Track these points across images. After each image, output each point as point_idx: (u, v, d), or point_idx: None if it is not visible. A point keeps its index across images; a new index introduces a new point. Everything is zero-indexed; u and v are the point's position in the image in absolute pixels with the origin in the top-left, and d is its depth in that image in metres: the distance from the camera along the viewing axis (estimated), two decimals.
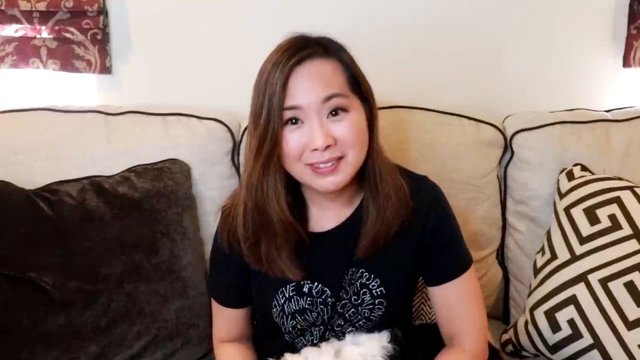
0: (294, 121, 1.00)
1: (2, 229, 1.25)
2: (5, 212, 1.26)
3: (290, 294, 1.11)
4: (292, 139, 1.00)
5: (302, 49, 1.00)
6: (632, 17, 1.68)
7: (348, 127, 1.00)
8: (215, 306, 1.21)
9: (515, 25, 1.69)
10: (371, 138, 1.05)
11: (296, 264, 1.07)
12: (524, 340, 1.38)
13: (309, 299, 1.11)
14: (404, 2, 1.65)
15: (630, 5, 1.67)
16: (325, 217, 1.12)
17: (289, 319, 1.12)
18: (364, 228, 1.07)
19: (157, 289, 1.35)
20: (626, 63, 1.71)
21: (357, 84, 1.04)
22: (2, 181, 1.29)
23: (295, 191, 1.09)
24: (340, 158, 1.01)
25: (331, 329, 1.13)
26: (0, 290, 1.23)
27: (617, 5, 1.69)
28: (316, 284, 1.10)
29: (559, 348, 1.31)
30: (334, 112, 1.00)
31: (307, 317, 1.12)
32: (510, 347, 1.43)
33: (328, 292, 1.10)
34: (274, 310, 1.12)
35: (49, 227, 1.28)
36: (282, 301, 1.11)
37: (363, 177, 1.08)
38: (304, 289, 1.11)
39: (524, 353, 1.41)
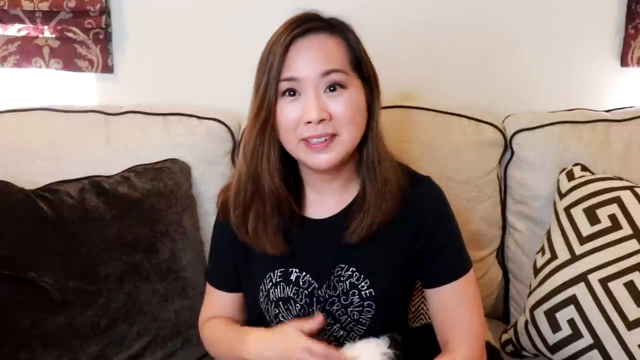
0: (291, 93, 1.01)
1: (2, 229, 1.25)
2: (5, 212, 1.26)
3: (277, 280, 1.10)
4: (288, 111, 1.00)
5: (307, 21, 1.01)
6: (630, 17, 1.68)
7: (343, 104, 1.00)
8: (208, 290, 1.21)
9: (514, 25, 1.69)
10: (370, 121, 1.05)
11: (280, 240, 1.07)
12: (524, 340, 1.38)
13: (294, 287, 1.10)
14: (405, 2, 1.65)
15: (629, 5, 1.68)
16: (323, 203, 1.11)
17: (273, 306, 1.10)
18: (359, 211, 1.06)
19: (157, 289, 1.35)
20: (624, 62, 1.71)
21: (359, 65, 1.04)
22: (2, 181, 1.30)
23: (295, 174, 1.10)
24: (333, 136, 1.01)
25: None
26: (0, 290, 1.23)
27: (616, 5, 1.69)
28: (304, 273, 1.09)
29: (559, 348, 1.31)
30: (332, 87, 1.00)
31: (290, 308, 1.10)
32: (510, 347, 1.43)
33: (315, 284, 1.09)
34: (260, 295, 1.11)
35: (49, 227, 1.28)
36: (269, 286, 1.10)
37: (361, 163, 1.07)
38: (292, 277, 1.10)
39: (524, 353, 1.41)
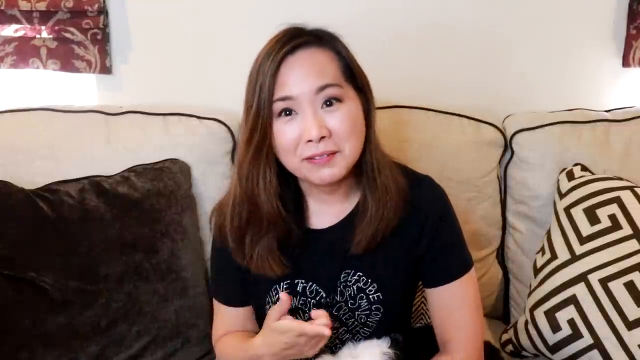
0: (287, 112, 0.98)
1: (2, 229, 1.25)
2: (5, 212, 1.26)
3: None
4: (286, 131, 0.98)
5: (294, 38, 0.98)
6: (631, 17, 1.68)
7: (342, 118, 0.97)
8: (216, 307, 1.19)
9: (515, 25, 1.69)
10: (368, 130, 1.03)
11: (279, 260, 1.05)
12: (524, 340, 1.38)
13: (302, 298, 1.08)
14: (405, 1, 1.65)
15: (630, 6, 1.68)
16: (324, 212, 1.09)
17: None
18: (362, 222, 1.04)
19: (157, 289, 1.35)
20: (625, 63, 1.71)
21: (352, 75, 1.02)
22: (2, 181, 1.29)
23: (293, 185, 1.08)
24: (335, 152, 0.98)
25: None
26: (0, 290, 1.23)
27: (617, 5, 1.69)
28: (310, 283, 1.08)
29: (559, 348, 1.31)
30: (328, 102, 0.97)
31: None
32: (510, 347, 1.43)
33: (322, 293, 1.08)
34: (267, 307, 1.09)
35: (49, 227, 1.28)
36: (275, 298, 1.08)
37: (361, 172, 1.05)
38: (298, 288, 1.08)
39: (524, 353, 1.41)
